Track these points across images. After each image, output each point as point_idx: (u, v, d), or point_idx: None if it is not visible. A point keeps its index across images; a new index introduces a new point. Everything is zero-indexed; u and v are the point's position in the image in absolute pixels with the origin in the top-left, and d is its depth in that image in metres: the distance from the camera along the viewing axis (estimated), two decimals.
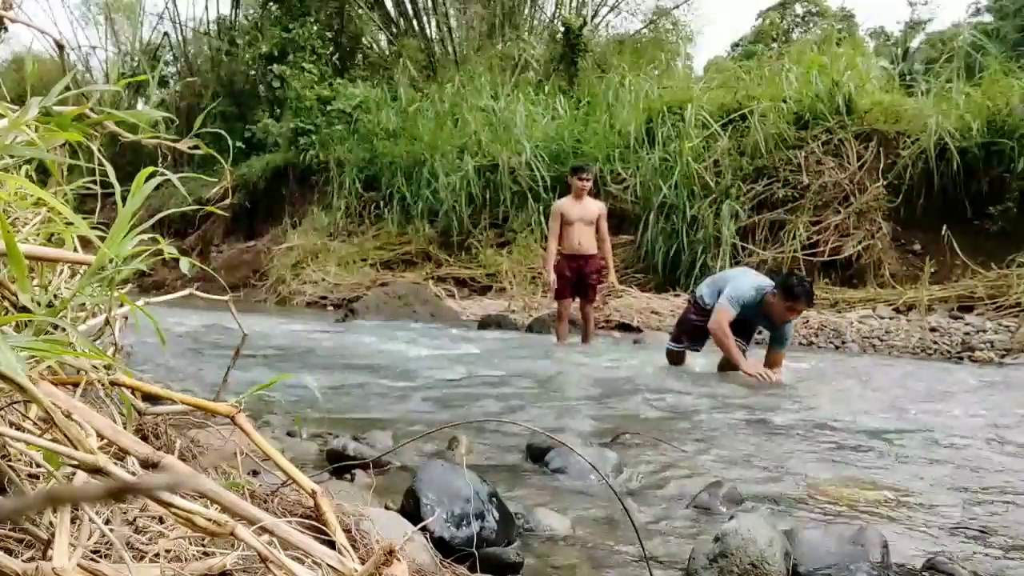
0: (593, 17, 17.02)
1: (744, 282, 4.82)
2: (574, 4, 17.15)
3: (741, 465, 2.67)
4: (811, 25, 23.08)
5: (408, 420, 3.33)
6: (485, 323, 8.26)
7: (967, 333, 6.62)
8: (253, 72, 16.13)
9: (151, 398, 1.38)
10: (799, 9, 25.54)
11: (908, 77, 11.88)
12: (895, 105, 9.99)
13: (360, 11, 16.80)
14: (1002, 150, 8.85)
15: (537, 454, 2.70)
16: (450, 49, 16.20)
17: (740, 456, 2.81)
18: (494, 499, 1.86)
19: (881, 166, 9.55)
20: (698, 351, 5.17)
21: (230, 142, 1.96)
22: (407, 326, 7.99)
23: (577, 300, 6.59)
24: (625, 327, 8.32)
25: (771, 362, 4.72)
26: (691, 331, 5.07)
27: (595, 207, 6.59)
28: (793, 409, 3.78)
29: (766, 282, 4.78)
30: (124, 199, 1.20)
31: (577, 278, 6.47)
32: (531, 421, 3.20)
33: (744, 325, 4.84)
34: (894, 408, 3.91)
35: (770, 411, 3.74)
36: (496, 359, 5.44)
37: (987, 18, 25.31)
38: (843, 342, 6.80)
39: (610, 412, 3.62)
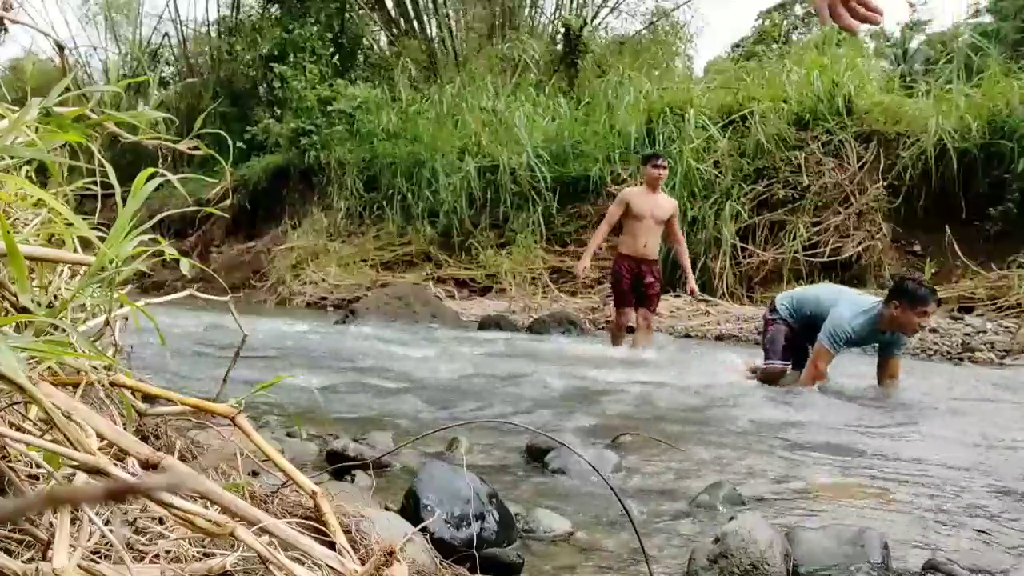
0: (593, 18, 17.02)
1: (844, 313, 4.16)
2: (574, 5, 17.15)
3: (742, 465, 2.67)
4: (811, 26, 23.07)
5: (408, 420, 3.33)
6: (485, 324, 8.26)
7: (967, 334, 6.62)
8: (253, 72, 16.14)
9: (151, 399, 1.38)
10: (799, 10, 25.55)
11: (908, 78, 11.88)
12: (895, 106, 9.99)
13: (360, 11, 16.81)
14: (1002, 151, 8.85)
15: (537, 454, 2.70)
16: (451, 49, 16.21)
17: (741, 456, 2.81)
18: (494, 500, 1.86)
19: (881, 167, 9.56)
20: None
21: (230, 143, 1.96)
22: (407, 327, 7.99)
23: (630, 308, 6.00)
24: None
25: (890, 372, 4.23)
26: (789, 348, 4.52)
27: (669, 204, 5.86)
28: (794, 410, 3.78)
29: (868, 300, 4.23)
30: (124, 200, 1.20)
31: (636, 284, 5.81)
32: (531, 422, 3.21)
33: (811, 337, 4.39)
34: (895, 409, 3.91)
35: (772, 412, 3.74)
36: (496, 360, 5.44)
37: (987, 19, 25.31)
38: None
39: (612, 411, 3.63)
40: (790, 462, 2.77)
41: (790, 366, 4.54)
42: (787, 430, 3.34)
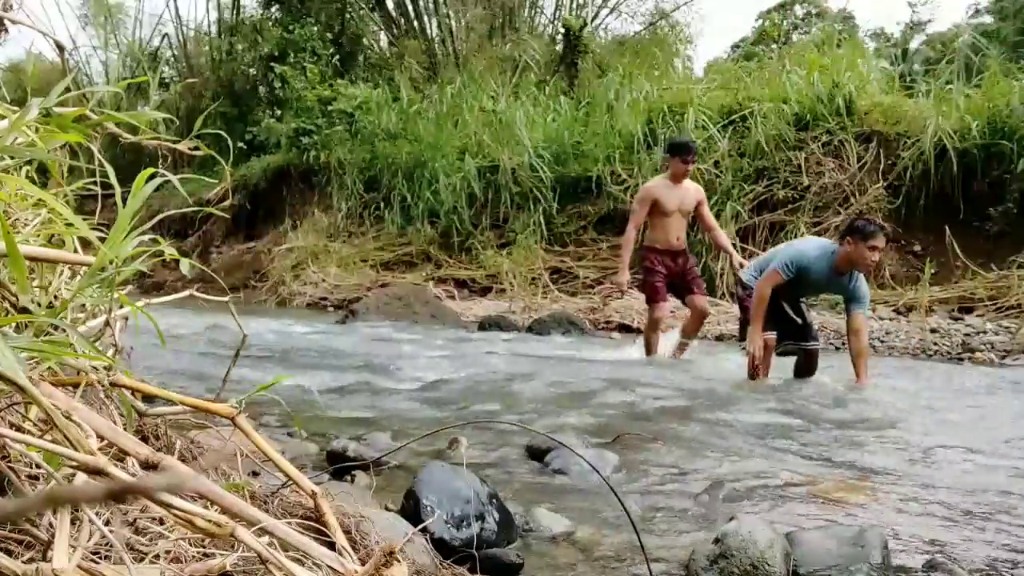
0: (593, 19, 17.03)
1: (799, 246, 4.51)
2: (574, 6, 17.15)
3: (741, 466, 2.67)
4: (811, 27, 23.07)
5: (408, 420, 3.33)
6: (485, 324, 8.26)
7: (967, 334, 6.62)
8: (254, 72, 16.14)
9: (151, 399, 1.38)
10: (799, 10, 25.57)
11: (908, 78, 11.88)
12: (895, 106, 9.99)
13: (361, 11, 16.81)
14: (1002, 151, 8.85)
15: (537, 454, 2.70)
16: (451, 50, 16.21)
17: (740, 457, 2.81)
18: (494, 500, 1.86)
19: (881, 167, 9.55)
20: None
21: (230, 143, 1.96)
22: (408, 327, 7.99)
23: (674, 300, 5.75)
24: (625, 328, 8.32)
25: (855, 328, 4.36)
26: (769, 320, 4.50)
27: (696, 192, 5.55)
28: (796, 410, 3.78)
29: (826, 240, 4.53)
30: (124, 200, 1.20)
31: (675, 276, 5.55)
32: (531, 422, 3.21)
33: (793, 299, 4.49)
34: (896, 409, 3.91)
35: (772, 411, 3.74)
36: (496, 360, 5.44)
37: (987, 19, 25.31)
38: (843, 343, 6.78)
39: (612, 411, 3.62)
40: (789, 462, 2.77)
41: (775, 336, 4.58)
42: (786, 430, 3.34)
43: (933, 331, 6.70)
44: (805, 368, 4.68)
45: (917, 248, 9.19)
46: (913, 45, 24.42)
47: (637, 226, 5.62)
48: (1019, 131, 8.80)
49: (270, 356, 5.11)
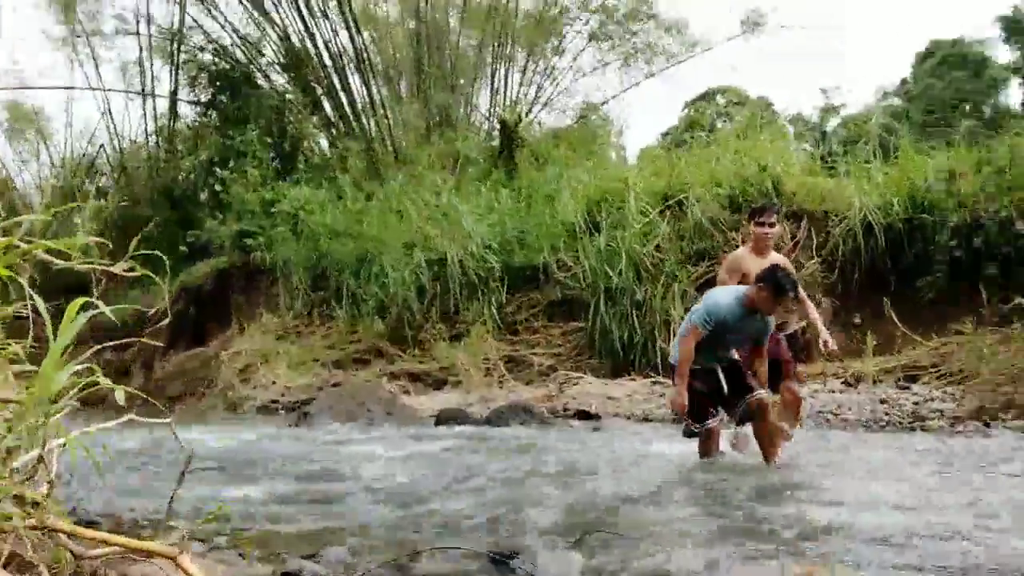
0: (527, 113, 17.65)
1: (707, 298, 4.45)
2: (507, 102, 17.77)
3: (714, 558, 2.61)
4: (734, 115, 24.31)
5: (367, 529, 3.19)
6: (442, 419, 8.10)
7: (916, 403, 6.75)
8: (194, 177, 16.10)
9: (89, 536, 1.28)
10: (721, 100, 27.01)
11: (829, 159, 12.52)
12: (819, 185, 10.48)
13: (300, 115, 17.08)
14: (924, 224, 9.32)
15: (501, 560, 2.60)
16: (391, 148, 16.52)
17: (713, 549, 2.75)
18: None
19: (814, 244, 9.92)
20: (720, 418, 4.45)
21: (166, 261, 1.90)
22: (363, 427, 7.79)
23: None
24: (584, 415, 8.24)
25: (757, 354, 4.40)
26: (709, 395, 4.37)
27: (783, 264, 4.74)
28: (773, 497, 3.71)
29: (731, 287, 4.51)
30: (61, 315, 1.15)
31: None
32: (495, 521, 3.10)
33: (725, 352, 4.41)
34: (873, 492, 3.83)
35: (746, 499, 3.68)
36: (455, 456, 5.31)
37: (896, 100, 27.14)
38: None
39: (577, 505, 3.53)
40: (761, 550, 2.72)
41: (719, 419, 4.46)
42: (753, 511, 3.30)
43: (883, 402, 6.83)
44: (759, 416, 4.39)
45: (857, 320, 9.47)
46: (830, 127, 25.96)
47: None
48: (938, 205, 9.31)
49: (220, 468, 4.88)
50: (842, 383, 8.29)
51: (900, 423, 6.41)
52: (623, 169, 14.30)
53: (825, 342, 5.12)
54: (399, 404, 9.14)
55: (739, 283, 4.71)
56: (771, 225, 4.83)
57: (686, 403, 4.34)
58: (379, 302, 11.92)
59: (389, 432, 7.14)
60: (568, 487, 3.94)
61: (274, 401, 10.93)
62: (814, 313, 5.27)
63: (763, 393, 4.43)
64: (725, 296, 4.43)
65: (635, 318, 10.04)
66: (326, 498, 3.86)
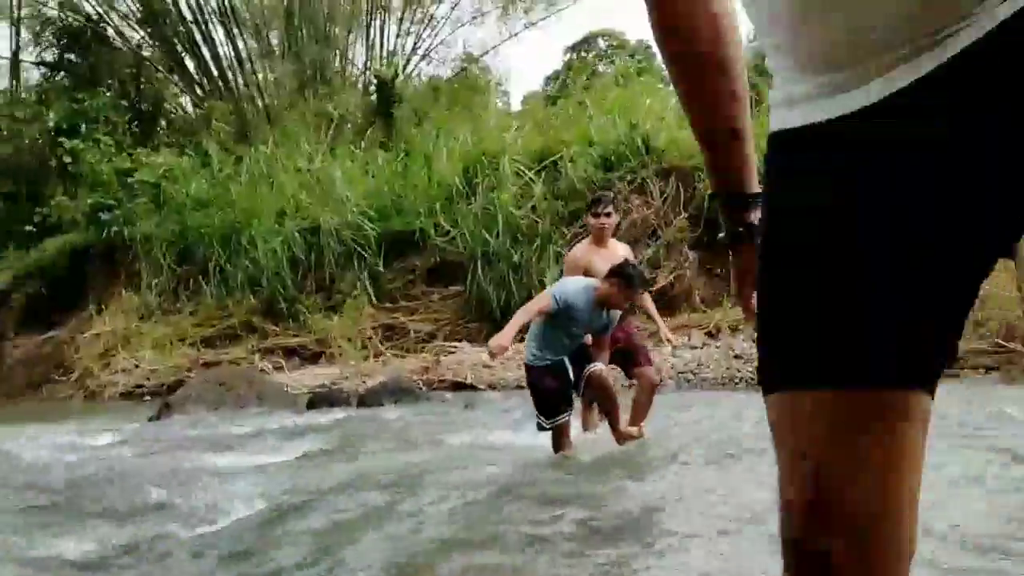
0: (405, 66, 17.11)
1: (565, 281, 4.50)
2: (384, 55, 17.17)
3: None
4: (614, 58, 24.39)
5: None
6: (315, 402, 7.90)
7: None
8: (41, 146, 14.80)
9: None
10: (602, 43, 27.03)
11: None
12: (688, 141, 10.69)
13: (159, 74, 15.93)
14: None
15: None
16: (261, 108, 15.69)
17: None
18: None
19: (682, 199, 10.18)
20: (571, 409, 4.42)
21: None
22: (230, 416, 7.45)
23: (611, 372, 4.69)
24: (459, 385, 8.24)
25: (599, 345, 4.45)
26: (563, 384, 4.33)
27: (623, 253, 4.82)
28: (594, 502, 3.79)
29: (587, 279, 4.44)
30: None
31: (617, 348, 4.73)
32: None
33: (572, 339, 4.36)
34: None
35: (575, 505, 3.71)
36: (325, 458, 4.99)
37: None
38: (661, 380, 7.02)
39: (480, 520, 3.13)
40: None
41: (569, 413, 4.43)
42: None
43: (737, 357, 7.13)
44: (597, 385, 4.39)
45: (720, 271, 9.83)
46: None
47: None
48: None
49: (48, 501, 4.23)
50: (705, 333, 8.64)
51: (751, 379, 6.71)
52: (504, 119, 14.14)
53: (668, 339, 5.37)
54: (271, 385, 8.85)
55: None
56: (607, 215, 4.85)
57: (507, 346, 4.30)
58: (250, 276, 11.44)
59: (257, 423, 6.83)
60: (468, 495, 3.52)
61: (139, 386, 10.37)
62: (653, 308, 5.38)
63: (599, 365, 4.45)
64: (574, 283, 4.44)
65: (512, 282, 10.07)
66: (167, 541, 3.11)
